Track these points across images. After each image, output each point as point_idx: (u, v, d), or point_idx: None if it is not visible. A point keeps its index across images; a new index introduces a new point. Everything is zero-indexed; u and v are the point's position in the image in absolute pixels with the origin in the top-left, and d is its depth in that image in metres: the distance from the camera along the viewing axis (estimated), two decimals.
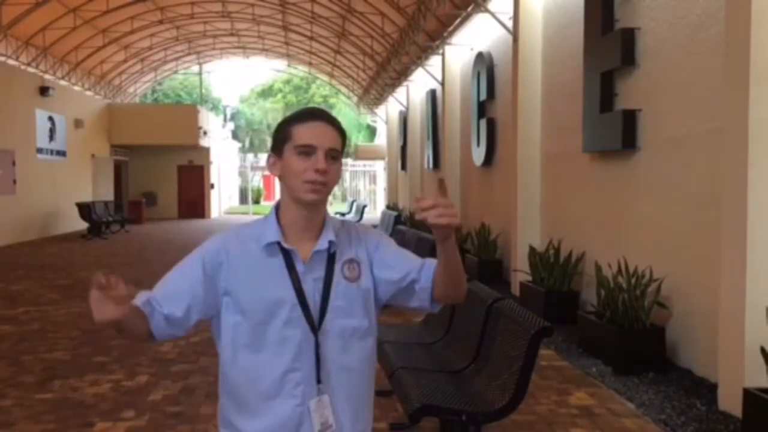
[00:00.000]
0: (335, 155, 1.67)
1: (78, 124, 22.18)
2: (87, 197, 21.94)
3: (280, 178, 1.71)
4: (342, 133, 1.71)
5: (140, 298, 1.64)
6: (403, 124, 21.68)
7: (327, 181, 1.65)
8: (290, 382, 1.66)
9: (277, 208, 1.74)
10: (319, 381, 1.67)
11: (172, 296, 1.68)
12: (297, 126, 1.67)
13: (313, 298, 1.68)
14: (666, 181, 6.07)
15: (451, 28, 13.47)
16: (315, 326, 1.67)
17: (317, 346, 1.67)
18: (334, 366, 1.69)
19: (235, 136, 43.75)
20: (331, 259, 1.71)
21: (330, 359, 1.68)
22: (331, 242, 1.71)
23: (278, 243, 1.68)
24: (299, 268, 1.68)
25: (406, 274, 1.76)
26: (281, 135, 1.69)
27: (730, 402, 4.53)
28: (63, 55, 21.40)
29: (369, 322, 1.75)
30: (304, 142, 1.64)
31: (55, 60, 21.09)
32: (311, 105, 54.95)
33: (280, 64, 33.67)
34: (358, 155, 33.31)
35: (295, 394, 1.66)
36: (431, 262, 1.76)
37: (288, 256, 1.68)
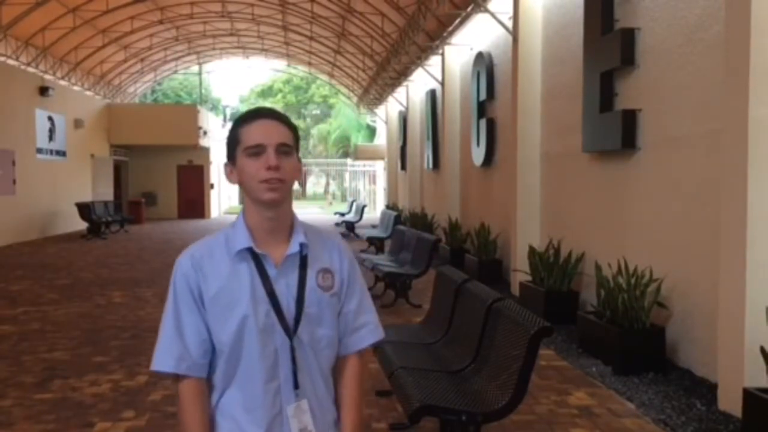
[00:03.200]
0: (287, 150, 1.63)
1: (78, 124, 22.18)
2: (87, 197, 21.95)
3: (240, 185, 1.67)
4: (291, 128, 1.68)
5: (174, 368, 1.62)
6: (403, 124, 21.68)
7: (282, 177, 1.61)
8: (270, 391, 1.64)
9: (244, 213, 1.70)
10: (296, 386, 1.65)
11: (200, 345, 1.64)
12: (243, 128, 1.64)
13: (287, 304, 1.65)
14: (666, 181, 6.07)
15: (450, 28, 13.47)
16: (290, 332, 1.65)
17: (293, 350, 1.65)
18: (308, 371, 1.68)
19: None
20: (303, 262, 1.69)
21: (304, 365, 1.67)
22: (302, 245, 1.69)
23: (249, 249, 1.65)
24: (271, 273, 1.65)
25: (347, 321, 1.77)
26: (231, 141, 1.66)
27: (730, 402, 4.53)
28: (63, 55, 21.42)
29: (334, 331, 1.74)
30: (252, 142, 1.61)
31: (54, 60, 21.10)
32: (311, 105, 55.01)
33: (280, 64, 33.69)
34: (358, 155, 33.31)
35: (275, 403, 1.65)
36: (366, 336, 1.79)
37: (259, 262, 1.65)
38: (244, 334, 1.62)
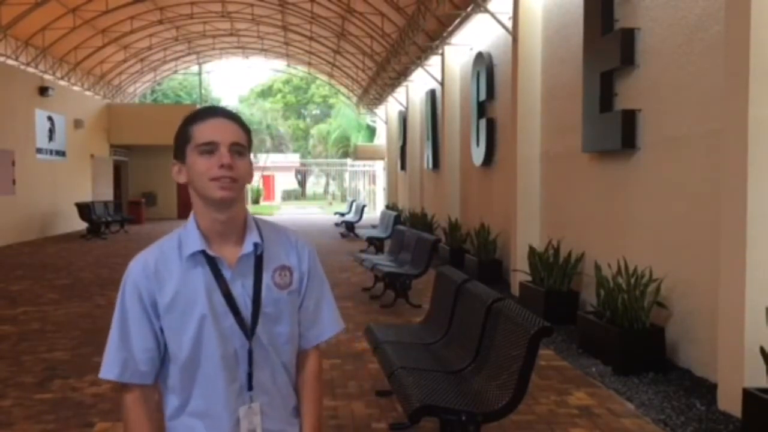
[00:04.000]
0: (240, 150, 1.60)
1: (77, 124, 22.17)
2: (86, 197, 21.95)
3: (189, 184, 1.63)
4: (245, 129, 1.65)
5: (119, 376, 1.62)
6: (403, 124, 21.68)
7: (235, 176, 1.57)
8: (233, 393, 1.63)
9: (195, 215, 1.66)
10: (250, 388, 1.64)
11: (145, 353, 1.63)
12: (196, 125, 1.61)
13: (245, 305, 1.63)
14: (666, 181, 6.07)
15: (450, 28, 13.47)
16: (248, 333, 1.63)
17: (250, 353, 1.63)
18: (269, 369, 1.67)
19: None
20: (258, 262, 1.66)
21: (265, 363, 1.66)
22: (256, 245, 1.65)
23: (202, 251, 1.61)
24: (227, 275, 1.62)
25: (306, 316, 1.76)
26: (181, 139, 1.63)
27: (730, 402, 4.53)
28: (63, 55, 21.40)
29: (294, 327, 1.73)
30: (204, 139, 1.58)
31: (54, 60, 21.08)
32: (311, 105, 54.91)
33: (280, 64, 33.68)
34: (358, 155, 33.30)
35: (237, 404, 1.64)
36: (324, 331, 1.79)
37: (214, 264, 1.62)
38: (202, 338, 1.60)
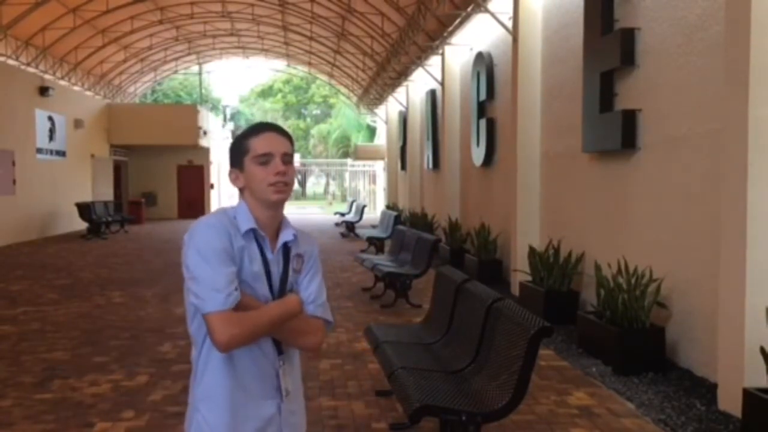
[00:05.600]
0: (289, 159, 1.89)
1: (78, 124, 22.17)
2: (86, 197, 21.94)
3: (246, 188, 1.90)
4: (291, 140, 1.94)
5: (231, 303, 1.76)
6: (403, 124, 21.69)
7: (288, 180, 1.88)
8: (269, 353, 1.89)
9: (246, 205, 1.91)
10: (281, 352, 1.92)
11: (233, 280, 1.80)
12: (252, 139, 1.88)
13: (275, 285, 1.91)
14: (666, 181, 6.07)
15: (450, 28, 13.47)
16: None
17: None
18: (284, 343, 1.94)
19: (234, 136, 43.69)
20: (287, 253, 1.94)
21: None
22: (295, 235, 1.94)
23: (254, 230, 1.86)
24: (269, 256, 1.90)
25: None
26: (239, 150, 1.90)
27: (730, 402, 4.53)
28: (63, 55, 21.41)
29: None
30: (261, 151, 1.86)
31: (54, 60, 21.09)
32: (311, 105, 54.94)
33: (280, 64, 33.68)
34: (358, 155, 33.29)
35: (274, 368, 1.90)
36: (311, 308, 1.97)
37: (260, 244, 1.88)
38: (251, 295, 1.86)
